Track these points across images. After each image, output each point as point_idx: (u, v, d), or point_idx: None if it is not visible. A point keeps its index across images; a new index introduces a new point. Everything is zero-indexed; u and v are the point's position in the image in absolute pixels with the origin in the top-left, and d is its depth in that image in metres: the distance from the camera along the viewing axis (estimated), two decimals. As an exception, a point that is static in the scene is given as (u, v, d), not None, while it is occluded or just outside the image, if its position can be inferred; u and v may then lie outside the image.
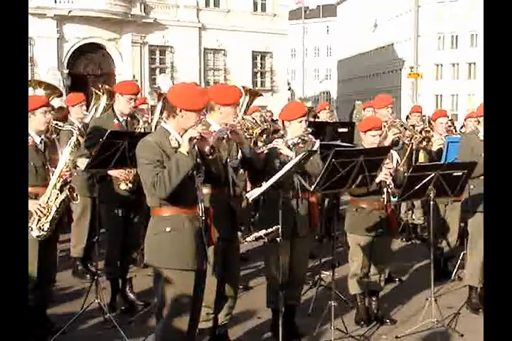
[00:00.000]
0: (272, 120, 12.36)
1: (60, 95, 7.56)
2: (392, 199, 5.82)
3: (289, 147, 5.41)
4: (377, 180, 5.64)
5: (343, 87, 75.80)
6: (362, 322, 6.01)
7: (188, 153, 4.00)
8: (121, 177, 6.16)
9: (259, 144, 7.60)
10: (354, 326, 5.93)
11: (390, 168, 5.74)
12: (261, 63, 37.89)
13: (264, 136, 7.99)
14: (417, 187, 5.58)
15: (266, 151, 5.30)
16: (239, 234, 5.28)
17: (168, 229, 4.16)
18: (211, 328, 5.24)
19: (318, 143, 5.60)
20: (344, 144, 6.39)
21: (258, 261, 7.50)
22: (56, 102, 9.68)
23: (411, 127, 8.32)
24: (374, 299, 6.18)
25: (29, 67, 29.98)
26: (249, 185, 5.35)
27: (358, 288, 6.08)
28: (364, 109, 9.92)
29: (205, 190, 4.65)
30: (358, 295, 6.11)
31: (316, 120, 10.19)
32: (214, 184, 4.83)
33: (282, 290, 5.18)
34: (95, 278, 5.98)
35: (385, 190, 5.83)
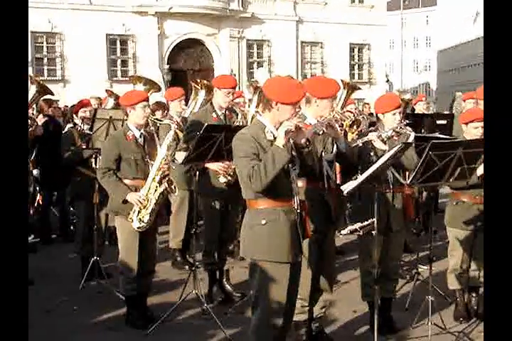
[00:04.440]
0: (370, 113, 12.22)
1: (159, 90, 7.78)
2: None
3: (383, 140, 5.34)
4: (479, 173, 5.48)
5: (443, 78, 73.91)
6: (461, 319, 5.86)
7: (284, 146, 4.00)
8: (220, 170, 6.23)
9: (350, 135, 7.50)
10: (453, 322, 5.80)
11: None
12: (358, 55, 37.41)
13: (355, 127, 7.89)
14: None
15: (360, 145, 5.24)
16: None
17: (263, 222, 4.18)
18: (306, 321, 5.25)
19: (413, 135, 5.48)
20: (443, 136, 6.24)
21: (354, 254, 7.46)
22: (156, 97, 9.96)
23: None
24: (474, 295, 6.02)
25: (131, 64, 30.88)
26: (339, 178, 5.31)
27: (457, 284, 5.94)
28: (465, 101, 9.60)
29: (300, 183, 4.64)
30: (457, 290, 5.97)
31: (413, 112, 10.02)
32: (309, 177, 4.83)
33: (377, 284, 5.14)
34: (193, 269, 6.08)
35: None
